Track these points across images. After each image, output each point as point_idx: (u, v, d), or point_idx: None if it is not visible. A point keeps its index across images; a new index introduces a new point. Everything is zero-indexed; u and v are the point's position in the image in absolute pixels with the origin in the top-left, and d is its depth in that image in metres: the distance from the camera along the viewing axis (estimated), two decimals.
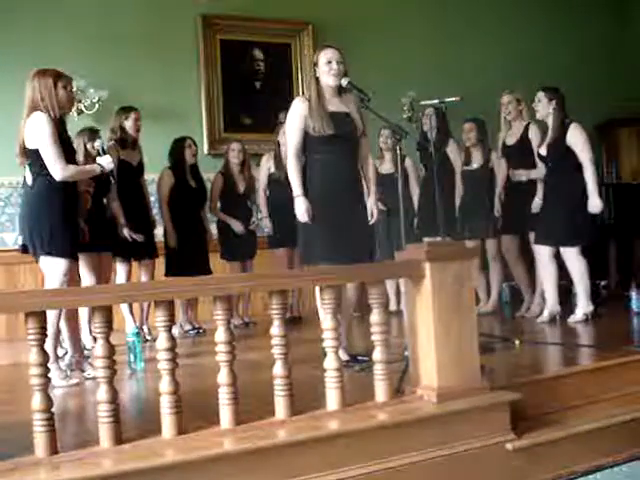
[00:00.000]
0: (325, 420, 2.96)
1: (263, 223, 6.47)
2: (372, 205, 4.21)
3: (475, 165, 6.24)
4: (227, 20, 7.48)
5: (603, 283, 7.03)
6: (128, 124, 5.57)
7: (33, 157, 4.00)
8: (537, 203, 5.65)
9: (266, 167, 6.53)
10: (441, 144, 6.23)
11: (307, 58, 7.53)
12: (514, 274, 6.14)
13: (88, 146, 5.19)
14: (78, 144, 5.08)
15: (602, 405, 3.58)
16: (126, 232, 5.39)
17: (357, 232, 4.10)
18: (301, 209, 4.00)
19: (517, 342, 4.48)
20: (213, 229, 6.38)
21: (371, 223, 4.21)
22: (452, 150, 6.35)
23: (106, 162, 4.35)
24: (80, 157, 4.96)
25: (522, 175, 5.65)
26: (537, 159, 5.58)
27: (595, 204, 5.21)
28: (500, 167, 6.02)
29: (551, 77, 6.61)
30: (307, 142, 4.07)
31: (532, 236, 5.72)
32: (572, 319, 5.29)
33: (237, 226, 6.29)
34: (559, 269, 5.40)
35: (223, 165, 6.50)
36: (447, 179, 6.16)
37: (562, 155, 5.30)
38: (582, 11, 8.94)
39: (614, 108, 8.61)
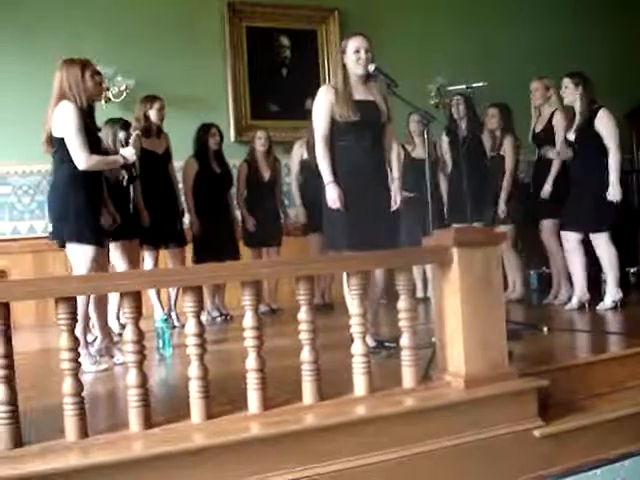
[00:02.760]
0: (353, 405, 2.97)
1: (295, 211, 6.46)
2: (396, 191, 4.20)
3: (494, 152, 6.23)
4: (253, 7, 7.46)
5: (633, 270, 6.94)
6: (152, 113, 5.60)
7: (58, 145, 4.05)
8: (546, 190, 5.64)
9: (298, 153, 6.55)
10: (472, 130, 6.20)
11: (333, 44, 7.51)
12: (552, 256, 6.02)
13: (120, 136, 5.20)
14: (107, 134, 5.11)
15: (630, 392, 3.56)
16: (146, 221, 5.45)
17: (382, 218, 4.10)
18: (332, 196, 3.99)
19: (545, 329, 4.46)
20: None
21: (394, 209, 4.20)
22: (487, 137, 6.32)
23: (129, 153, 4.38)
24: (110, 145, 5.01)
25: (551, 152, 5.57)
26: (562, 144, 5.52)
27: (614, 193, 5.14)
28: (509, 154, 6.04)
29: (582, 63, 6.52)
30: (334, 129, 4.07)
31: (545, 224, 5.70)
32: (601, 306, 5.24)
33: (250, 223, 6.31)
34: (587, 255, 5.35)
35: (248, 153, 6.51)
36: (479, 166, 6.13)
37: (589, 140, 5.23)
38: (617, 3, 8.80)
39: None
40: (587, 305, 5.35)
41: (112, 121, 5.35)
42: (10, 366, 2.57)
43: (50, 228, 4.23)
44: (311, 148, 6.28)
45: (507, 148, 6.11)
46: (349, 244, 3.94)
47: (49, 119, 4.05)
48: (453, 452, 2.96)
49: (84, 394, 2.67)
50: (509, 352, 3.26)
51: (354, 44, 4.06)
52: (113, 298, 5.11)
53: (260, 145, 6.40)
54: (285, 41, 7.73)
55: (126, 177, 5.11)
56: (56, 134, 4.03)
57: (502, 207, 6.03)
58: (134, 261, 5.35)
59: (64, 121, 3.99)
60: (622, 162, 5.27)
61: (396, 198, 4.18)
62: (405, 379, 3.13)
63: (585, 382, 3.51)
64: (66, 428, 2.63)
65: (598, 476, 3.23)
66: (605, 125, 5.20)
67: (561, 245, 5.61)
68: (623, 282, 5.49)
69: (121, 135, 4.64)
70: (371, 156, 4.11)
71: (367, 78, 4.12)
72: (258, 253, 6.41)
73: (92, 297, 4.12)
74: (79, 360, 2.70)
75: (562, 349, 4.05)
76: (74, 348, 2.65)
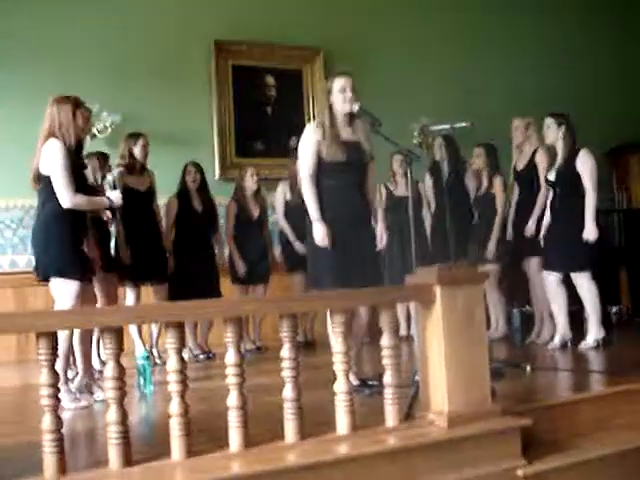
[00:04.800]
0: (335, 444, 2.95)
1: (295, 247, 6.45)
2: (380, 230, 4.23)
3: (481, 192, 6.29)
4: (239, 46, 7.55)
5: (614, 309, 6.99)
6: (136, 150, 5.61)
7: (45, 182, 4.05)
8: (530, 227, 5.68)
9: (282, 194, 6.57)
10: (455, 171, 6.26)
11: (318, 84, 7.60)
12: (535, 295, 6.02)
13: (97, 175, 5.23)
14: (88, 168, 5.12)
15: (614, 431, 3.56)
16: (123, 257, 5.44)
17: (366, 257, 4.11)
18: (320, 234, 4.00)
19: (528, 367, 4.46)
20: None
21: (379, 248, 4.23)
22: (470, 178, 6.39)
23: (115, 197, 4.38)
24: (91, 179, 5.01)
25: (532, 225, 5.68)
26: (543, 183, 5.59)
27: (589, 231, 5.18)
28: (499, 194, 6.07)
29: (562, 102, 6.65)
30: (320, 168, 4.10)
31: (531, 262, 5.75)
32: (583, 345, 5.25)
33: (240, 269, 6.29)
34: (569, 294, 5.38)
35: (235, 191, 6.49)
36: (462, 205, 6.19)
37: (571, 181, 5.28)
38: (593, 37, 8.99)
39: (626, 134, 8.62)
40: (569, 344, 5.36)
41: (93, 155, 5.37)
42: None
43: (34, 263, 4.20)
44: (294, 188, 6.37)
45: (497, 188, 6.15)
46: (334, 283, 3.93)
47: (37, 156, 4.06)
48: None
49: (63, 431, 2.64)
50: (492, 391, 3.26)
51: (340, 83, 4.10)
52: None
53: (252, 183, 6.40)
54: (270, 80, 7.81)
55: (110, 217, 5.11)
56: (43, 171, 4.04)
57: (491, 247, 6.06)
58: (111, 296, 5.28)
59: (51, 159, 4.00)
60: (598, 202, 5.30)
61: (382, 237, 4.21)
62: (388, 417, 3.11)
63: (568, 421, 3.50)
64: (45, 465, 2.59)
65: None
66: (585, 165, 5.26)
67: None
68: (605, 321, 5.52)
69: (109, 177, 4.64)
70: (356, 196, 4.15)
71: (351, 117, 4.16)
72: (245, 290, 6.38)
73: (77, 333, 4.09)
74: (59, 396, 2.67)
75: (545, 388, 4.04)
76: (54, 384, 2.62)
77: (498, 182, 6.16)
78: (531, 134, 5.91)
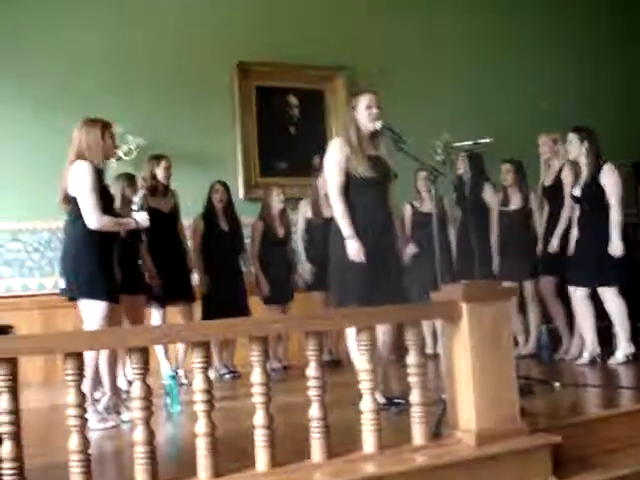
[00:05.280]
0: (362, 463, 2.93)
1: (303, 268, 6.48)
2: (403, 247, 4.21)
3: (513, 207, 6.24)
4: (262, 66, 7.59)
5: None
6: (159, 172, 5.67)
7: (73, 203, 4.11)
8: (554, 244, 5.66)
9: (303, 213, 6.60)
10: (476, 187, 6.23)
11: (340, 103, 7.62)
12: (552, 315, 6.07)
13: (126, 192, 5.31)
14: (116, 190, 5.19)
15: None
16: (150, 279, 5.48)
17: (393, 274, 4.10)
18: (354, 249, 3.98)
19: (557, 384, 4.41)
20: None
21: (404, 266, 4.23)
22: (487, 193, 6.36)
23: (142, 218, 4.42)
24: (117, 202, 5.05)
25: (555, 242, 5.68)
26: (568, 198, 5.56)
27: (615, 247, 5.15)
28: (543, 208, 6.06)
29: (589, 115, 6.61)
30: (348, 183, 4.09)
31: (544, 280, 5.76)
32: (613, 360, 5.20)
33: (264, 288, 6.30)
34: (597, 309, 5.32)
35: (262, 210, 6.52)
36: (484, 221, 6.17)
37: (597, 196, 5.25)
38: (622, 48, 8.94)
39: None
40: (598, 359, 5.30)
41: (120, 176, 5.45)
42: (17, 422, 2.55)
43: (61, 284, 4.24)
44: (315, 207, 6.38)
45: (534, 203, 6.14)
46: (360, 300, 3.92)
47: (65, 177, 4.12)
48: None
49: (90, 451, 2.65)
50: (521, 408, 3.22)
51: (365, 101, 4.12)
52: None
53: (278, 202, 6.43)
54: (293, 100, 7.85)
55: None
56: (71, 192, 4.10)
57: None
58: (137, 317, 5.32)
59: (79, 180, 4.05)
60: (624, 217, 5.28)
61: (405, 253, 4.21)
62: (415, 436, 3.09)
63: (599, 437, 3.45)
64: None
65: None
66: (609, 180, 5.23)
67: (563, 301, 5.69)
68: (634, 336, 5.45)
69: (136, 199, 4.68)
70: (383, 212, 4.15)
71: (375, 134, 4.17)
72: (277, 310, 6.36)
73: (104, 353, 4.11)
74: (86, 417, 2.68)
75: (575, 404, 4.00)
76: (81, 404, 2.63)
77: (534, 198, 6.13)
78: (559, 149, 5.88)
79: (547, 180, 5.97)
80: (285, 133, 7.78)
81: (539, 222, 6.11)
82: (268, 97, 7.69)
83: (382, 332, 4.07)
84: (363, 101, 4.13)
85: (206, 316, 5.88)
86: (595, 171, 5.27)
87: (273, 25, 7.57)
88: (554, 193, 5.82)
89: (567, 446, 3.21)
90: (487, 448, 3.02)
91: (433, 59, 8.16)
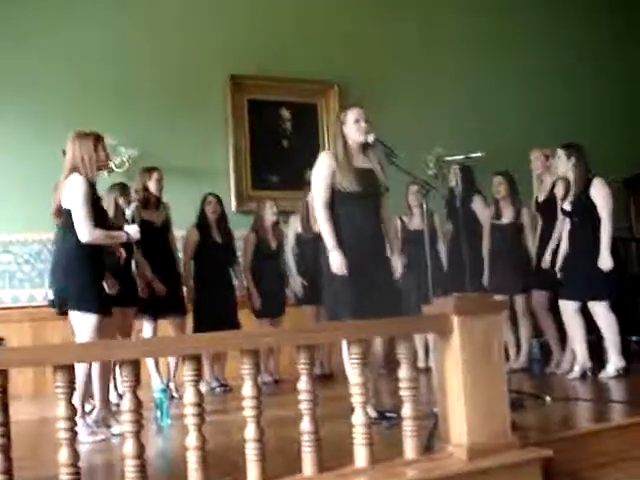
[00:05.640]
0: (353, 477, 2.91)
1: (293, 281, 6.49)
2: (396, 262, 4.22)
3: (505, 220, 6.26)
4: (255, 80, 7.63)
5: (634, 338, 6.92)
6: (151, 184, 5.68)
7: (66, 216, 4.11)
8: (546, 259, 5.69)
9: (293, 228, 6.60)
10: (467, 200, 6.25)
11: (333, 117, 7.60)
12: (543, 329, 6.10)
13: (120, 201, 5.30)
14: (109, 200, 5.19)
15: (635, 462, 3.50)
16: (154, 284, 5.46)
17: (383, 288, 4.09)
18: (337, 262, 3.99)
19: (548, 398, 4.41)
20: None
21: (396, 279, 4.22)
22: (477, 206, 6.39)
23: (133, 231, 4.43)
24: (110, 212, 5.05)
25: (547, 258, 5.69)
26: (560, 213, 5.58)
27: (604, 261, 5.17)
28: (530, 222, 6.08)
29: (581, 131, 6.66)
30: (334, 197, 4.10)
31: (536, 295, 5.80)
32: (604, 374, 5.21)
33: (255, 302, 6.28)
34: (588, 324, 5.34)
35: (254, 222, 6.52)
36: (475, 234, 6.19)
37: (586, 210, 5.28)
38: (612, 63, 9.01)
39: None
40: (589, 373, 5.31)
41: (114, 187, 5.46)
42: (6, 435, 2.53)
43: (50, 295, 4.23)
44: (304, 222, 6.40)
45: (526, 217, 6.17)
46: (352, 313, 3.91)
47: (60, 191, 4.12)
48: None
49: (80, 464, 2.63)
50: (512, 422, 3.22)
51: (353, 115, 4.15)
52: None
53: (271, 215, 6.43)
54: (286, 114, 7.87)
55: (123, 255, 5.12)
56: (65, 205, 4.10)
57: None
58: (125, 329, 5.28)
59: (73, 193, 4.06)
60: (615, 231, 5.31)
61: (397, 268, 4.20)
62: (406, 450, 3.08)
63: (589, 452, 3.45)
64: None
65: None
66: (599, 194, 5.26)
67: (555, 315, 5.74)
68: (625, 350, 5.46)
69: (128, 212, 4.68)
70: (372, 225, 4.15)
71: (365, 148, 4.18)
72: (268, 324, 6.34)
73: (97, 366, 4.10)
74: (76, 430, 2.66)
75: (566, 418, 4.00)
76: (71, 417, 2.61)
77: (526, 212, 6.16)
78: (551, 165, 5.91)
79: (540, 196, 6.00)
80: (278, 146, 7.79)
81: (531, 237, 6.14)
82: (261, 110, 7.71)
83: (378, 343, 4.07)
84: (351, 115, 4.15)
85: (197, 328, 5.86)
86: (584, 185, 5.30)
87: (266, 39, 7.60)
88: (548, 208, 5.85)
89: (558, 460, 3.21)
90: (478, 462, 3.01)
91: (425, 75, 8.21)
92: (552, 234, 5.75)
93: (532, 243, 6.13)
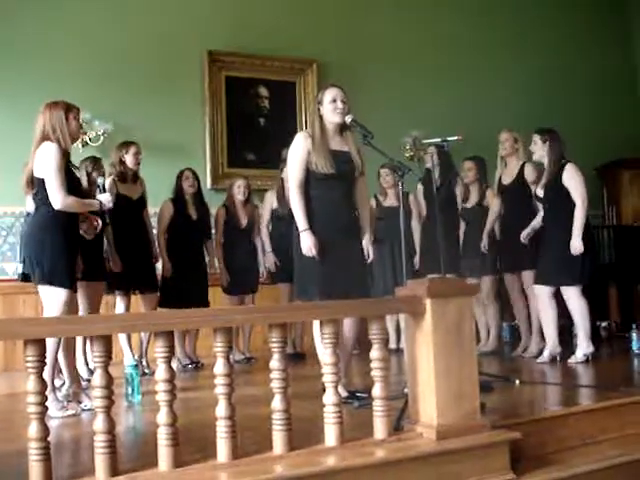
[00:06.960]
0: (323, 456, 2.93)
1: (267, 258, 6.48)
2: (367, 245, 4.22)
3: (471, 204, 6.33)
4: (232, 57, 7.57)
5: (604, 324, 7.02)
6: (128, 158, 5.61)
7: (39, 186, 4.04)
8: (526, 232, 5.66)
9: (269, 203, 6.58)
10: (445, 181, 6.27)
11: (311, 96, 7.61)
12: (515, 312, 6.15)
13: (94, 175, 5.24)
14: (81, 174, 5.12)
15: (602, 446, 3.55)
16: (112, 264, 5.41)
17: (354, 269, 4.10)
18: (307, 243, 3.99)
19: (517, 381, 4.46)
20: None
21: (367, 262, 4.23)
22: (459, 189, 6.42)
23: (106, 199, 4.39)
24: (84, 184, 4.99)
25: (528, 234, 5.67)
26: (534, 199, 5.61)
27: (575, 245, 5.20)
28: (492, 205, 6.10)
29: (556, 117, 6.69)
30: (308, 177, 4.09)
31: (526, 275, 5.76)
32: (572, 359, 5.27)
33: (224, 278, 6.28)
34: (559, 309, 5.40)
35: (226, 199, 6.50)
36: (452, 216, 6.23)
37: (559, 195, 5.31)
38: (588, 48, 9.08)
39: (617, 149, 8.65)
40: (558, 358, 5.38)
41: (86, 160, 5.40)
42: None
43: (20, 268, 4.18)
44: (280, 198, 6.38)
45: (491, 200, 6.19)
46: (320, 293, 3.93)
47: (31, 160, 4.05)
48: None
49: (50, 439, 2.62)
50: (481, 404, 3.26)
51: (331, 94, 4.12)
52: (80, 343, 5.06)
53: (239, 194, 6.40)
54: (264, 91, 7.83)
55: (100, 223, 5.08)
56: (37, 174, 4.03)
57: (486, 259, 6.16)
58: (95, 304, 5.24)
59: (46, 161, 3.98)
60: (588, 218, 5.34)
61: (369, 251, 4.21)
62: (376, 430, 3.10)
63: (556, 435, 3.50)
64: (31, 473, 2.56)
65: None
66: (572, 180, 5.28)
67: (525, 298, 5.79)
68: (594, 336, 5.53)
69: (99, 180, 4.64)
70: (344, 207, 4.14)
71: (342, 129, 4.17)
72: (237, 301, 6.34)
73: (62, 341, 4.06)
74: (46, 404, 2.65)
75: (534, 402, 4.05)
76: (41, 392, 2.59)
77: (491, 194, 6.19)
78: (518, 148, 5.93)
79: (506, 178, 5.98)
80: (255, 124, 7.76)
81: (491, 218, 6.15)
82: (238, 88, 7.66)
83: (345, 326, 4.08)
84: (328, 95, 4.13)
85: (164, 301, 5.81)
86: (557, 171, 5.33)
87: (245, 15, 7.56)
88: (513, 192, 5.87)
89: (525, 443, 3.26)
90: (447, 443, 3.04)
91: (404, 56, 8.19)
92: (517, 217, 5.79)
93: (492, 224, 6.14)
